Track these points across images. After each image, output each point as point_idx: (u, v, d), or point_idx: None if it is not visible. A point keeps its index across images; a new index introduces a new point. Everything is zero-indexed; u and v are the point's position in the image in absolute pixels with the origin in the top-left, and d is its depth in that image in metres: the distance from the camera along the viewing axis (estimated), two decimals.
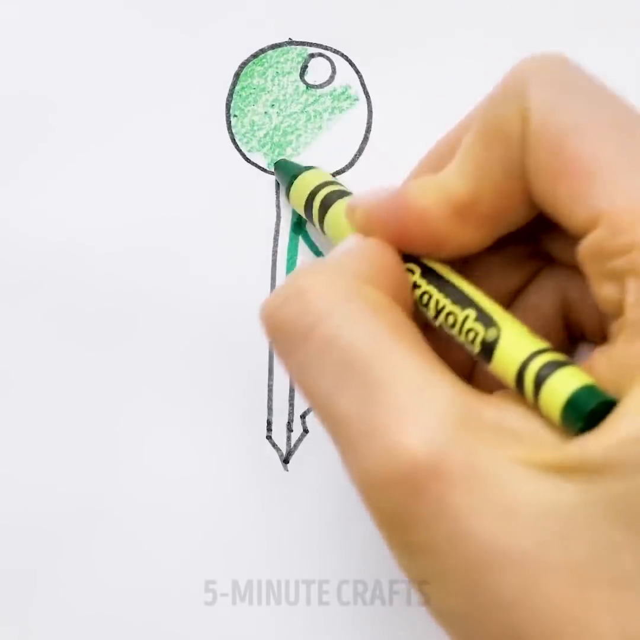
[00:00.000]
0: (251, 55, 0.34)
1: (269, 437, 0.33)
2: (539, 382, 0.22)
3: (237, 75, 0.34)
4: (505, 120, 0.23)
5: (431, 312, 0.25)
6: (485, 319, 0.24)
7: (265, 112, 0.34)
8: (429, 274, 0.25)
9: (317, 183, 0.31)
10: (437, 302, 0.24)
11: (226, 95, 0.34)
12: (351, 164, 0.34)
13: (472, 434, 0.20)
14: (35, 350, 0.33)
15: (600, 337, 0.25)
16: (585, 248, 0.22)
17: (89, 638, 0.33)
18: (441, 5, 0.34)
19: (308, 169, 0.32)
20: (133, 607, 0.33)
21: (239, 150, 0.34)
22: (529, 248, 0.27)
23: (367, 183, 0.33)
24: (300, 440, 0.33)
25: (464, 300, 0.24)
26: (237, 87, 0.34)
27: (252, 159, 0.34)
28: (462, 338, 0.24)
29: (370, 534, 0.33)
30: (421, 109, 0.34)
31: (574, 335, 0.27)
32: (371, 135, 0.34)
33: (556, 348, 0.23)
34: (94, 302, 0.33)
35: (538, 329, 0.24)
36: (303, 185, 0.31)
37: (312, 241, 0.34)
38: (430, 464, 0.20)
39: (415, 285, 0.25)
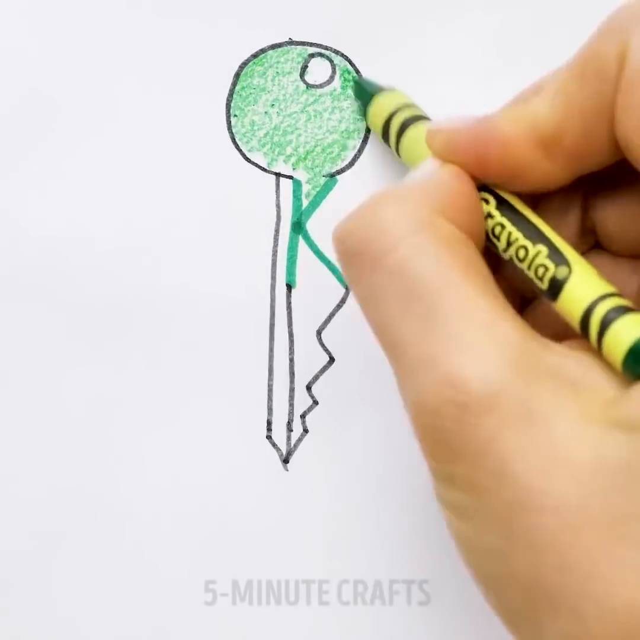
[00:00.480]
0: (251, 55, 0.34)
1: (269, 437, 0.33)
2: (604, 325, 0.22)
3: (237, 75, 0.34)
4: (603, 57, 0.23)
5: (502, 244, 0.24)
6: (556, 256, 0.23)
7: (266, 112, 0.34)
8: (503, 205, 0.25)
9: (396, 104, 0.30)
10: (510, 234, 0.24)
11: (226, 95, 0.34)
12: (351, 163, 0.34)
13: (531, 378, 0.20)
14: (34, 348, 0.33)
15: None
16: None
17: (89, 638, 0.33)
18: (441, 5, 0.34)
19: (389, 90, 0.31)
20: (133, 607, 0.33)
21: (239, 150, 0.34)
22: (579, 225, 0.27)
23: (367, 183, 0.34)
24: (300, 440, 0.33)
25: (537, 236, 0.24)
26: (237, 87, 0.34)
27: (252, 159, 0.34)
28: (531, 273, 0.24)
29: (370, 534, 0.33)
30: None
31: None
32: (371, 135, 0.34)
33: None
34: (93, 301, 0.33)
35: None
36: (382, 105, 0.31)
37: (312, 241, 0.34)
38: (486, 399, 0.20)
39: (489, 216, 0.25)
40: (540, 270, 0.23)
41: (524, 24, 0.34)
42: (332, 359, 0.33)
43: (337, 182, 0.34)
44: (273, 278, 0.34)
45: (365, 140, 0.34)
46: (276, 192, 0.34)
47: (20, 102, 0.34)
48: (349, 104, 0.34)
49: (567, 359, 0.22)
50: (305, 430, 0.33)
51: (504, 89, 0.33)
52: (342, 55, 0.34)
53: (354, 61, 0.34)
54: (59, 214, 0.34)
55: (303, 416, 0.33)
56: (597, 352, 0.22)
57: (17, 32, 0.34)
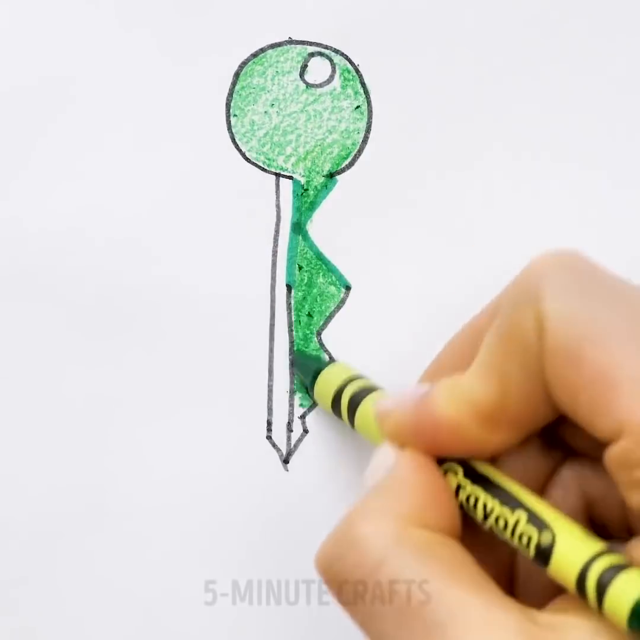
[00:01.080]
0: (251, 55, 0.34)
1: (269, 437, 0.33)
2: (601, 588, 0.22)
3: (237, 74, 0.34)
4: (521, 328, 0.23)
5: (479, 515, 0.24)
6: (536, 520, 0.23)
7: (265, 112, 0.34)
8: (471, 473, 0.25)
9: (343, 379, 0.30)
10: (485, 505, 0.24)
11: (226, 94, 0.34)
12: (351, 163, 0.34)
13: None
14: (35, 345, 0.33)
15: (626, 531, 0.25)
16: (611, 457, 0.22)
17: (89, 638, 0.33)
18: (441, 5, 0.34)
19: (330, 363, 0.32)
20: (133, 607, 0.33)
21: (239, 150, 0.34)
22: (548, 439, 0.27)
23: (367, 183, 0.34)
24: (300, 440, 0.33)
25: (512, 501, 0.24)
26: (237, 87, 0.34)
27: (252, 159, 0.34)
28: (515, 542, 0.24)
29: None
30: (421, 108, 0.34)
31: (597, 529, 0.26)
32: (371, 135, 0.34)
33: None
34: (92, 301, 0.33)
35: None
36: (328, 381, 0.31)
37: (312, 241, 0.34)
38: None
39: (460, 487, 0.25)
40: (525, 539, 0.23)
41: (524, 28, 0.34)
42: (332, 359, 0.33)
43: (337, 182, 0.34)
44: (273, 278, 0.33)
45: (365, 140, 0.34)
46: (276, 192, 0.34)
47: (19, 102, 0.34)
48: (349, 103, 0.34)
49: (569, 629, 0.22)
50: (305, 430, 0.33)
51: (498, 70, 0.33)
52: (342, 54, 0.34)
53: (353, 60, 0.34)
54: (58, 212, 0.34)
55: (303, 416, 0.33)
56: (597, 611, 0.22)
57: (13, 31, 0.34)
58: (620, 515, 0.25)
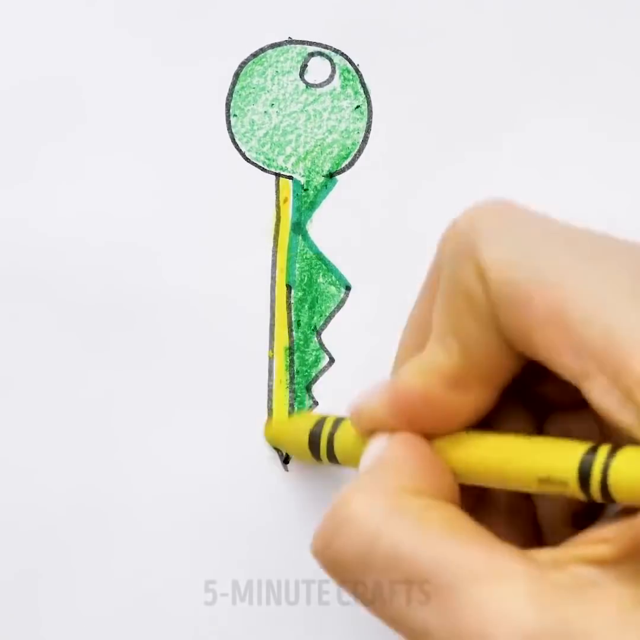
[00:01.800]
0: (251, 55, 0.34)
1: None
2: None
3: (236, 74, 0.34)
4: (464, 284, 0.23)
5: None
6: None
7: (265, 112, 0.34)
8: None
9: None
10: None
11: (226, 94, 0.34)
12: (351, 163, 0.34)
13: (556, 604, 0.20)
14: (35, 346, 0.33)
15: None
16: (595, 392, 0.21)
17: (89, 638, 0.33)
18: (441, 4, 0.34)
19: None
20: (133, 607, 0.33)
21: (239, 150, 0.34)
22: (528, 400, 0.26)
23: (367, 183, 0.33)
24: None
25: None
26: (237, 87, 0.34)
27: (252, 159, 0.34)
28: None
29: None
30: (421, 108, 0.34)
31: None
32: (371, 135, 0.34)
33: None
34: (91, 302, 0.33)
35: None
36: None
37: (312, 241, 0.34)
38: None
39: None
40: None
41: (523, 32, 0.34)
42: (332, 359, 0.33)
43: (336, 182, 0.34)
44: (273, 278, 0.33)
45: (365, 140, 0.34)
46: (276, 192, 0.34)
47: (19, 104, 0.34)
48: (349, 103, 0.34)
49: (577, 563, 0.21)
50: None
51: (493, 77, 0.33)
52: (342, 54, 0.34)
53: (353, 60, 0.34)
54: (58, 213, 0.34)
55: None
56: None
57: (12, 31, 0.34)
58: None
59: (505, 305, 0.23)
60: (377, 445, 0.25)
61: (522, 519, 0.26)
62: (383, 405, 0.25)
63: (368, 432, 0.25)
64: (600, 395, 0.21)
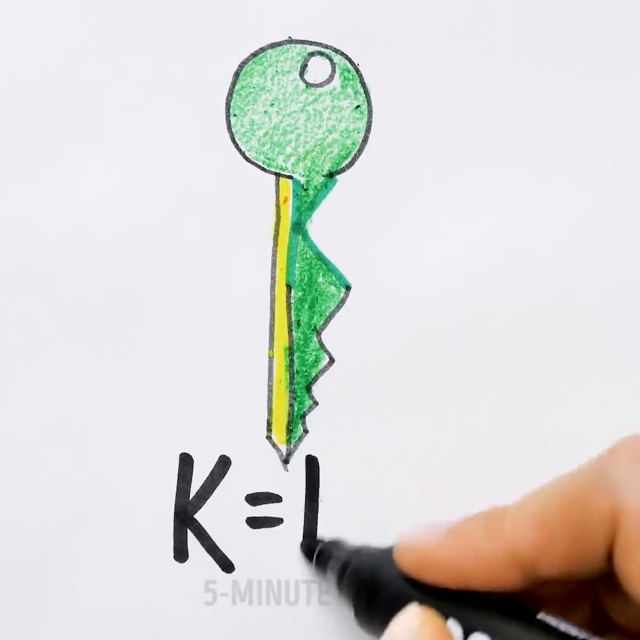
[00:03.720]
0: (251, 54, 0.34)
1: (269, 437, 0.33)
2: None
3: (236, 74, 0.34)
4: (591, 510, 0.23)
5: None
6: None
7: (265, 111, 0.34)
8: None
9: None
10: None
11: (226, 94, 0.34)
12: (351, 163, 0.34)
13: None
14: (35, 345, 0.33)
15: None
16: None
17: (89, 638, 0.33)
18: (441, 4, 0.34)
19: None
20: (133, 607, 0.33)
21: (239, 150, 0.34)
22: (588, 612, 0.27)
23: (367, 183, 0.33)
24: (300, 440, 0.33)
25: None
26: (237, 86, 0.34)
27: (251, 159, 0.34)
28: None
29: (370, 534, 0.33)
30: (421, 108, 0.34)
31: None
32: (371, 135, 0.34)
33: None
34: (92, 302, 0.33)
35: None
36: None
37: (312, 241, 0.34)
38: None
39: None
40: None
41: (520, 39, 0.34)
42: (332, 359, 0.33)
43: (337, 181, 0.34)
44: (273, 278, 0.33)
45: (365, 140, 0.34)
46: (276, 191, 0.34)
47: (18, 98, 0.34)
48: (349, 103, 0.34)
49: None
50: (305, 431, 0.33)
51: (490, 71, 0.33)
52: (342, 54, 0.34)
53: (354, 60, 0.34)
54: (58, 213, 0.34)
55: (303, 416, 0.33)
56: None
57: (13, 26, 0.34)
58: None
59: (631, 556, 0.23)
60: (407, 627, 0.25)
61: None
62: (438, 551, 0.25)
63: (409, 569, 0.25)
64: None
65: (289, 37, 0.34)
